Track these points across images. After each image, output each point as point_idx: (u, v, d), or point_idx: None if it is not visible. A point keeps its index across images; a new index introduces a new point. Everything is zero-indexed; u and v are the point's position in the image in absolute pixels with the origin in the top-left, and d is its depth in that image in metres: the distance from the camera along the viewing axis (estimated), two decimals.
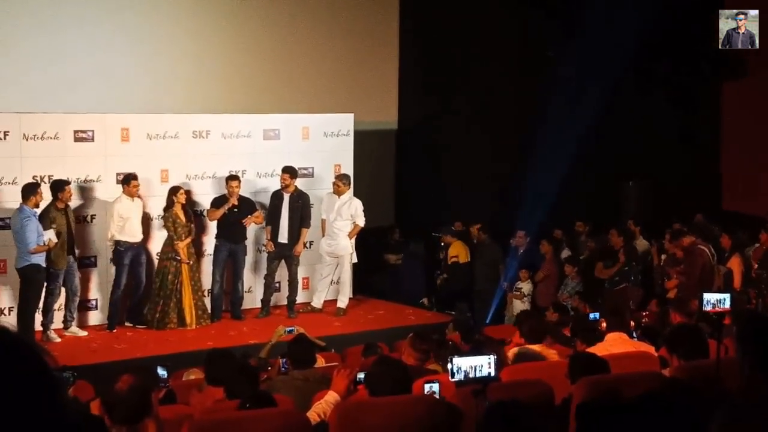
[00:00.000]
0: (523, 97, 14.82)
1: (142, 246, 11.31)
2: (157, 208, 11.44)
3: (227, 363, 6.06)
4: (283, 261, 12.06)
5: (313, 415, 5.04)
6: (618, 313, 7.32)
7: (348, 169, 12.80)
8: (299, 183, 12.05)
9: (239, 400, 5.21)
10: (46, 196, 10.42)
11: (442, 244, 13.60)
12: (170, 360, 8.41)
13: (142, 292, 11.34)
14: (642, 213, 14.43)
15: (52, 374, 1.41)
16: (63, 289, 10.72)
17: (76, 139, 11.05)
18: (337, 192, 12.00)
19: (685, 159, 15.49)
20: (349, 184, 12.20)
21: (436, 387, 5.02)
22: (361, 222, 12.04)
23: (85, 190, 11.18)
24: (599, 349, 6.38)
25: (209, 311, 11.66)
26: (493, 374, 4.52)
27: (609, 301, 11.18)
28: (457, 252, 13.34)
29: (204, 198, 11.90)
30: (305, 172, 12.53)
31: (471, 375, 4.46)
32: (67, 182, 10.61)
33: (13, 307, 10.71)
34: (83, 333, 11.01)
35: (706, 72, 14.98)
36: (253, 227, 11.99)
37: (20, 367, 1.39)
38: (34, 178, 10.60)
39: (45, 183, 10.62)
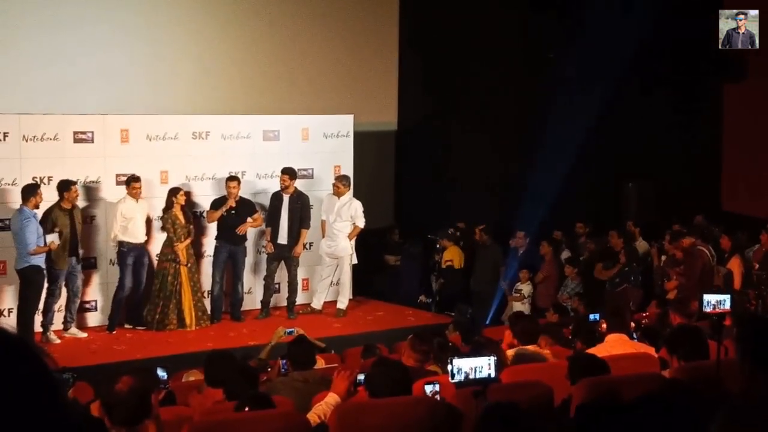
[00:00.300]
0: (523, 98, 14.82)
1: (145, 247, 11.31)
2: (156, 210, 11.44)
3: (227, 364, 6.06)
4: (282, 262, 12.06)
5: (313, 416, 5.03)
6: (618, 314, 7.31)
7: (348, 170, 12.80)
8: (299, 184, 12.05)
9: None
10: (46, 197, 10.42)
11: (438, 247, 13.60)
12: (170, 361, 8.41)
13: (142, 293, 11.34)
14: (642, 214, 14.43)
15: (51, 376, 1.41)
16: (64, 290, 10.72)
17: (76, 140, 11.06)
18: (337, 193, 11.99)
19: (685, 160, 15.48)
20: (349, 185, 12.20)
21: (437, 388, 5.02)
22: (361, 223, 12.04)
23: (85, 191, 11.17)
24: (599, 350, 6.37)
25: (209, 312, 11.65)
26: (493, 375, 4.51)
27: (609, 302, 11.18)
28: (452, 257, 13.33)
29: (204, 199, 11.90)
30: (305, 173, 12.53)
31: (471, 376, 4.45)
32: (73, 182, 10.62)
33: (12, 309, 10.70)
34: (83, 334, 11.01)
35: (706, 72, 14.97)
36: (252, 228, 11.98)
37: (20, 368, 1.38)
38: (33, 179, 10.60)
39: (45, 184, 10.62)
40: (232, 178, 11.63)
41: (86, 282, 11.17)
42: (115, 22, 12.80)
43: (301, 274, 12.37)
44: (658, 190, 15.10)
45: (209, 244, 11.90)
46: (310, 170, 12.69)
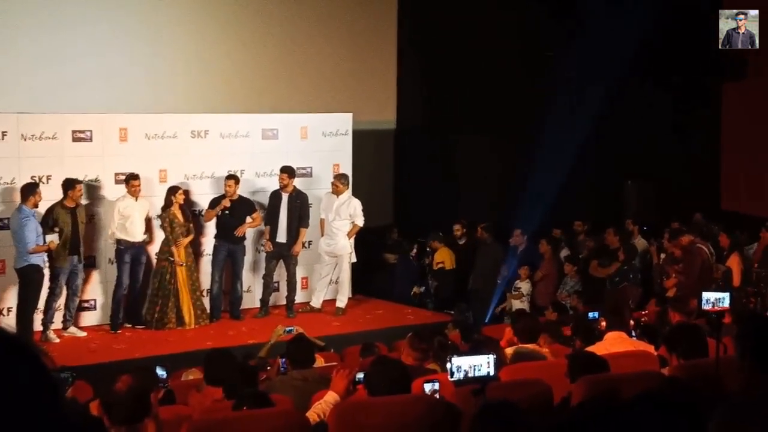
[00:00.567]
0: (523, 97, 14.81)
1: (143, 246, 11.30)
2: (155, 208, 11.44)
3: (226, 363, 6.06)
4: (281, 261, 12.06)
5: (313, 415, 5.03)
6: (617, 312, 7.31)
7: (347, 168, 12.80)
8: (298, 182, 12.05)
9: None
10: (45, 196, 10.42)
11: (428, 249, 13.59)
12: (169, 360, 8.41)
13: (140, 291, 11.34)
14: (642, 212, 14.43)
15: (50, 376, 1.41)
16: (64, 289, 10.72)
17: (75, 139, 11.05)
18: (336, 192, 11.99)
19: (685, 159, 15.48)
20: (348, 183, 12.19)
21: (437, 386, 5.02)
22: (360, 222, 12.04)
23: (83, 190, 11.14)
24: (599, 348, 6.37)
25: (208, 311, 11.65)
26: (492, 374, 4.52)
27: (608, 300, 11.17)
28: (443, 258, 13.31)
29: (203, 198, 11.90)
30: (304, 171, 12.53)
31: (470, 374, 4.46)
32: (79, 181, 10.63)
33: (12, 308, 10.70)
34: (82, 333, 11.01)
35: (706, 72, 14.97)
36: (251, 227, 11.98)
37: (19, 368, 1.38)
38: (32, 178, 10.59)
39: (44, 183, 10.62)
40: (230, 177, 11.63)
41: (85, 281, 11.16)
42: (115, 21, 12.80)
43: (300, 272, 12.37)
44: (658, 190, 15.10)
45: (208, 242, 11.90)
46: (309, 169, 12.68)
